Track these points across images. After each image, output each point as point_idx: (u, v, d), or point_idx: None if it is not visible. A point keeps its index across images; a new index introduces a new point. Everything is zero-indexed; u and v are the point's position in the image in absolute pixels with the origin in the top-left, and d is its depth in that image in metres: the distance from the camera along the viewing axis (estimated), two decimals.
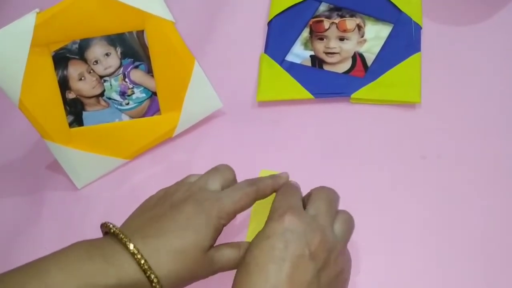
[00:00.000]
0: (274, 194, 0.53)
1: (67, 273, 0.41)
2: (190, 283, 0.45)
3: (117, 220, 0.56)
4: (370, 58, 0.61)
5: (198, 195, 0.46)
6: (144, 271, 0.42)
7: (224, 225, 0.46)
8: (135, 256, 0.42)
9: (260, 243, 0.42)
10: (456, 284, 0.50)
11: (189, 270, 0.44)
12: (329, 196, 0.47)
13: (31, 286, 0.41)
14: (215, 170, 0.50)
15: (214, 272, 0.46)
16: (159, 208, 0.46)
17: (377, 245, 0.52)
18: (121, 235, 0.43)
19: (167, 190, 0.49)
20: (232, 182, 0.49)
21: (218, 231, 0.45)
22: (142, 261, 0.42)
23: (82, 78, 0.57)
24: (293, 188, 0.48)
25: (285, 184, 0.49)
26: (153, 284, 0.42)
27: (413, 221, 0.53)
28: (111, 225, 0.45)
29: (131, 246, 0.42)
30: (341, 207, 0.54)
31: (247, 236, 0.52)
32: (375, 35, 0.63)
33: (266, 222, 0.44)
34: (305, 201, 0.47)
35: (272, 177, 0.50)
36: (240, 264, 0.43)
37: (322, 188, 0.47)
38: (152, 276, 0.42)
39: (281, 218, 0.43)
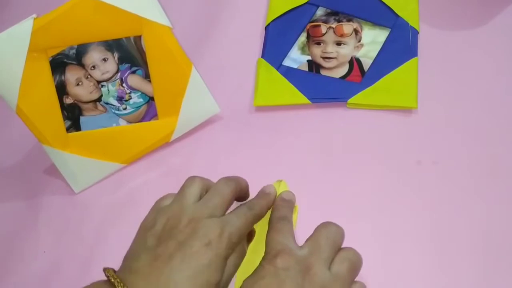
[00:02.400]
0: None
1: None
2: None
3: (115, 225, 0.56)
4: (367, 63, 0.61)
5: (204, 230, 0.44)
6: None
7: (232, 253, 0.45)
8: None
9: (256, 283, 0.41)
10: (451, 286, 0.50)
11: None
12: (330, 233, 0.45)
13: None
14: (215, 191, 0.47)
15: None
16: (164, 246, 0.43)
17: (372, 249, 0.52)
18: None
19: (168, 218, 0.46)
20: (232, 200, 0.48)
21: (226, 259, 0.44)
22: None
23: (80, 83, 0.57)
24: (289, 225, 0.46)
25: (276, 210, 0.48)
26: None
27: (408, 226, 0.53)
28: (113, 278, 0.42)
29: None
30: (337, 212, 0.54)
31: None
32: (372, 40, 0.63)
33: (260, 262, 0.43)
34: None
35: (264, 196, 0.49)
36: None
37: (325, 225, 0.46)
38: None
39: (274, 260, 0.42)
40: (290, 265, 0.42)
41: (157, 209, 0.47)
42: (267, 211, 0.49)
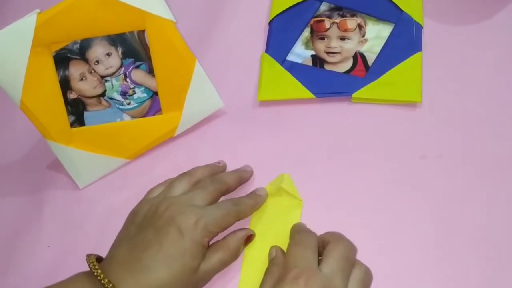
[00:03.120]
0: (276, 201, 0.54)
1: None
2: None
3: (119, 220, 0.56)
4: (371, 58, 0.61)
5: (181, 216, 0.46)
6: None
7: (209, 241, 0.47)
8: None
9: None
10: (456, 282, 0.50)
11: (201, 277, 0.45)
12: (345, 251, 0.46)
13: None
14: (199, 186, 0.50)
15: (210, 278, 0.47)
16: (144, 233, 0.46)
17: (377, 244, 0.52)
18: (104, 280, 0.43)
19: (150, 206, 0.49)
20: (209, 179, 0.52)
21: (204, 247, 0.46)
22: None
23: (83, 78, 0.57)
24: (309, 237, 0.47)
25: (300, 230, 0.49)
26: None
27: (413, 220, 0.53)
28: (92, 265, 0.44)
29: None
30: (341, 206, 0.55)
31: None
32: (376, 35, 0.62)
33: (280, 282, 0.43)
34: (320, 249, 0.46)
35: (253, 197, 0.51)
36: None
37: (338, 241, 0.46)
38: None
39: (295, 282, 0.42)
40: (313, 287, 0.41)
41: (145, 199, 0.51)
42: (252, 211, 0.51)
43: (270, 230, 0.53)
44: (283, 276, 0.43)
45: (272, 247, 0.50)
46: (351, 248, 0.46)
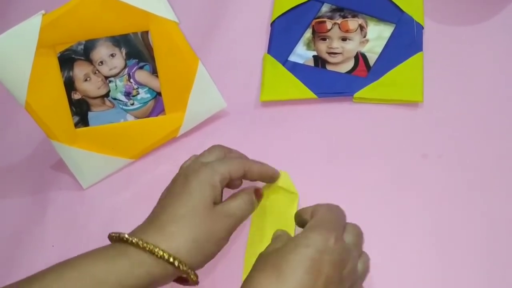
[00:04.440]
0: (274, 198, 0.54)
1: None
2: (216, 248, 0.47)
3: (123, 220, 0.57)
4: (372, 58, 0.62)
5: (189, 168, 0.49)
6: (161, 258, 0.44)
7: (221, 183, 0.48)
8: (147, 248, 0.44)
9: (297, 249, 0.42)
10: (456, 282, 0.50)
11: (202, 230, 0.46)
12: (340, 213, 0.48)
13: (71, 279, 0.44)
14: (227, 158, 0.52)
15: (230, 226, 0.48)
16: (164, 199, 0.49)
17: (378, 243, 0.52)
18: (126, 236, 0.45)
19: (180, 174, 0.51)
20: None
21: (215, 189, 0.48)
22: (153, 248, 0.44)
23: (88, 78, 0.58)
24: (340, 210, 0.48)
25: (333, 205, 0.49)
26: (175, 264, 0.44)
27: (414, 219, 0.53)
28: (116, 234, 0.47)
29: (140, 242, 0.44)
30: (343, 205, 0.55)
31: (248, 241, 0.54)
32: (377, 35, 0.63)
33: (308, 229, 0.44)
34: (307, 218, 0.47)
35: (261, 163, 0.52)
36: (266, 259, 0.43)
37: (333, 207, 0.48)
38: (165, 255, 0.44)
39: (329, 234, 0.42)
40: (338, 252, 0.42)
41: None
42: (259, 174, 0.52)
43: (270, 227, 0.53)
44: (314, 225, 0.44)
45: (276, 231, 0.50)
46: (342, 211, 0.48)
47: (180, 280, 0.48)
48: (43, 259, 0.57)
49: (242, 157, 0.54)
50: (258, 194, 0.51)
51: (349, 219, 0.53)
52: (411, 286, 0.51)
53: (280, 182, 0.54)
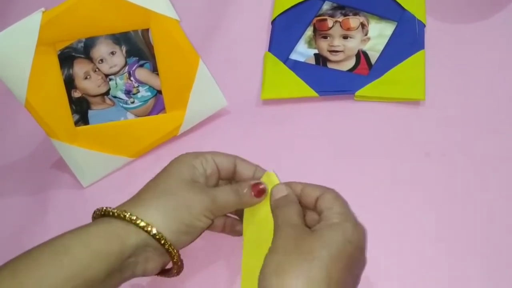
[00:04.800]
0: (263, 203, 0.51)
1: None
2: (193, 221, 0.47)
3: None
4: (374, 56, 0.61)
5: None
6: (136, 224, 0.45)
7: (204, 166, 0.49)
8: (129, 218, 0.45)
9: (344, 245, 0.43)
10: (458, 279, 0.50)
11: (177, 200, 0.46)
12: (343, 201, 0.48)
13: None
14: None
15: (208, 205, 0.47)
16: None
17: (380, 240, 0.52)
18: (110, 210, 0.47)
19: None
20: None
21: (195, 169, 0.48)
22: (131, 217, 0.45)
23: (88, 76, 0.58)
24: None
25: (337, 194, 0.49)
26: (151, 233, 0.45)
27: (416, 217, 0.53)
28: (102, 209, 0.48)
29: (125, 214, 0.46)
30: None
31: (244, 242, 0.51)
32: (378, 33, 0.63)
33: (339, 223, 0.44)
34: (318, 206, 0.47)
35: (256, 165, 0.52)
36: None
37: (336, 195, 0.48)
38: (141, 222, 0.45)
39: (355, 224, 0.45)
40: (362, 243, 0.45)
41: None
42: (250, 172, 0.51)
43: (263, 229, 0.49)
44: (347, 219, 0.45)
45: (279, 185, 0.48)
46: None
47: (164, 272, 0.49)
48: None
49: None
50: (256, 189, 0.48)
51: None
52: (413, 284, 0.50)
53: (270, 183, 0.50)
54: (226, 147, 0.60)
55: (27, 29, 0.53)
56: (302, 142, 0.59)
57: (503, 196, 0.53)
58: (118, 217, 0.46)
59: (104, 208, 0.47)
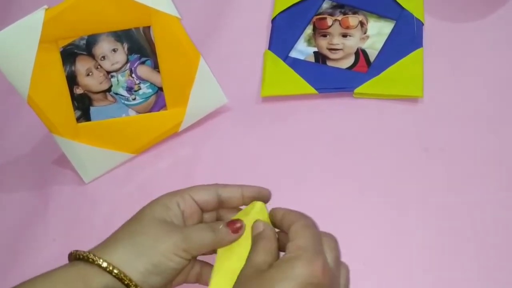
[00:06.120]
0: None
1: None
2: (161, 260, 0.43)
3: (124, 214, 0.57)
4: (373, 54, 0.62)
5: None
6: (98, 265, 0.42)
7: (179, 205, 0.45)
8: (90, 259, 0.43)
9: (284, 281, 0.38)
10: (456, 273, 0.50)
11: (144, 237, 0.43)
12: (317, 232, 0.43)
13: None
14: None
15: (179, 241, 0.43)
16: None
17: (379, 236, 0.53)
18: (78, 253, 0.44)
19: None
20: None
21: (169, 209, 0.45)
22: (92, 258, 0.43)
23: (90, 73, 0.58)
24: (314, 223, 0.44)
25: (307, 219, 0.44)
26: (112, 273, 0.42)
27: (415, 212, 0.53)
28: (73, 252, 0.45)
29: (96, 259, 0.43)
30: (344, 200, 0.55)
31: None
32: (377, 32, 0.63)
33: (293, 258, 0.39)
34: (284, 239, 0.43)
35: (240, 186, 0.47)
36: (249, 284, 0.40)
37: (308, 225, 0.43)
38: (103, 263, 0.42)
39: (316, 263, 0.39)
40: (325, 280, 0.39)
41: None
42: (239, 196, 0.47)
43: (238, 256, 0.44)
44: (303, 256, 0.40)
45: (256, 221, 0.44)
46: (314, 224, 0.43)
47: None
48: (45, 253, 0.57)
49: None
50: (233, 226, 0.44)
51: (350, 214, 0.54)
52: (411, 279, 0.51)
53: (255, 212, 0.46)
54: (226, 144, 0.61)
55: (30, 26, 0.54)
56: (302, 139, 0.59)
57: (502, 191, 0.54)
58: (83, 259, 0.43)
59: (74, 251, 0.45)
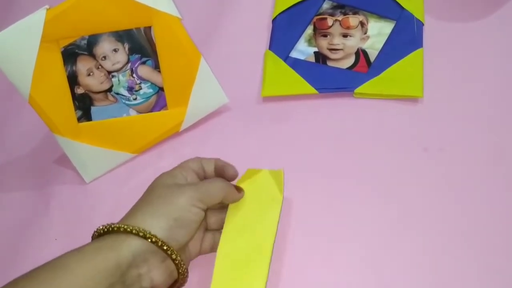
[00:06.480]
0: (256, 195, 0.52)
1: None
2: (190, 222, 0.47)
3: (125, 213, 0.57)
4: (373, 54, 0.62)
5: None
6: (124, 231, 0.45)
7: (182, 174, 0.50)
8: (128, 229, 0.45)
9: None
10: (456, 272, 0.50)
11: (162, 201, 0.47)
12: None
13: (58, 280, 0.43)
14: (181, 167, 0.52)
15: (204, 197, 0.48)
16: None
17: (380, 234, 0.53)
18: (102, 228, 0.47)
19: None
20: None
21: (174, 177, 0.49)
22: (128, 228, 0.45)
23: (91, 73, 0.58)
24: None
25: None
26: (139, 234, 0.45)
27: (415, 212, 0.54)
28: (98, 228, 0.47)
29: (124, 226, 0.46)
30: (343, 200, 0.55)
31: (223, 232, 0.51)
32: (378, 32, 0.64)
33: None
34: None
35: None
36: None
37: None
38: (128, 228, 0.45)
39: None
40: None
41: None
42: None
43: (246, 225, 0.51)
44: None
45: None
46: None
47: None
48: (46, 253, 0.57)
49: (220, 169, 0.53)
50: (238, 188, 0.52)
51: (349, 213, 0.54)
52: (413, 277, 0.51)
53: (273, 178, 0.53)
54: (227, 143, 0.61)
55: (31, 26, 0.54)
56: (302, 139, 0.60)
57: (501, 191, 0.54)
58: (108, 231, 0.46)
59: (98, 227, 0.47)
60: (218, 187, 0.49)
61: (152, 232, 0.45)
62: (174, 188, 0.48)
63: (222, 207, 0.52)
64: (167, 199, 0.47)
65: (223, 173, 0.52)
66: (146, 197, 0.48)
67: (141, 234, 0.45)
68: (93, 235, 0.48)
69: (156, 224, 0.45)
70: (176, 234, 0.46)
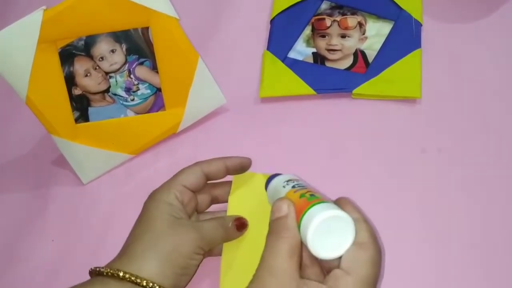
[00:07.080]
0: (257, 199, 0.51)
1: None
2: (185, 261, 0.46)
3: (123, 215, 0.57)
4: (371, 55, 0.62)
5: (152, 192, 0.50)
6: (133, 282, 0.44)
7: (178, 198, 0.48)
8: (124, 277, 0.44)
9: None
10: (455, 276, 0.50)
11: (166, 244, 0.45)
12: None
13: None
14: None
15: (196, 240, 0.46)
16: (132, 230, 0.49)
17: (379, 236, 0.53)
18: (104, 270, 0.45)
19: None
20: None
21: (172, 206, 0.48)
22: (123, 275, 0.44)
23: (88, 74, 0.58)
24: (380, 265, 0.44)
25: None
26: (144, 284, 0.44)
27: (413, 213, 0.54)
28: (96, 268, 0.46)
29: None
30: None
31: None
32: (376, 32, 0.63)
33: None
34: None
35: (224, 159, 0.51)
36: None
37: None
38: (138, 279, 0.44)
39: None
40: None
41: None
42: (224, 169, 0.51)
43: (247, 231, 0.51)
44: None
45: (277, 202, 0.43)
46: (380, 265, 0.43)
47: None
48: (43, 254, 0.57)
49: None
50: (239, 223, 0.49)
51: None
52: (411, 280, 0.51)
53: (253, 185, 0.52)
54: (225, 144, 0.61)
55: (29, 27, 0.54)
56: (300, 140, 0.59)
57: (500, 192, 0.54)
58: (112, 277, 0.44)
59: (97, 268, 0.46)
60: (220, 233, 0.49)
61: (158, 282, 0.44)
62: (176, 230, 0.47)
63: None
64: (171, 246, 0.46)
65: (240, 170, 0.52)
66: (148, 232, 0.47)
67: (150, 286, 0.44)
68: (90, 271, 0.47)
69: (164, 273, 0.45)
70: (181, 281, 0.47)
